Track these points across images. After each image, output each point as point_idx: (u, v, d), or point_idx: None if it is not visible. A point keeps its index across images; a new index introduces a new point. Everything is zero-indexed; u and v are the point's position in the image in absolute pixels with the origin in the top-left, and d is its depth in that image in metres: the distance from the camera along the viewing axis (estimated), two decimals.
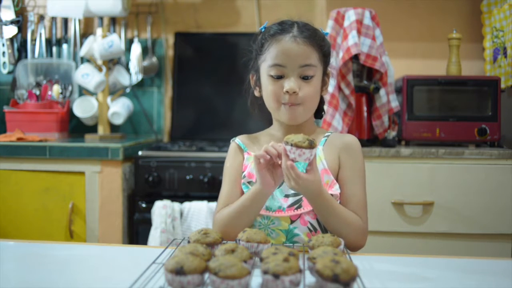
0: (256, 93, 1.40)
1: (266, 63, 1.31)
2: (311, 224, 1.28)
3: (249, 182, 1.33)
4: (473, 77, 2.38)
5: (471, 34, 2.72)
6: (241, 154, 1.39)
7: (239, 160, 1.38)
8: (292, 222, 1.28)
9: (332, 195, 1.27)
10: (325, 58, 1.34)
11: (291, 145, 1.12)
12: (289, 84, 1.27)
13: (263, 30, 1.37)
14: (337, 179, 1.32)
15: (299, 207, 1.28)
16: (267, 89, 1.32)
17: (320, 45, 1.32)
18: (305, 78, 1.29)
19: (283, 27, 1.32)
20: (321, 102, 1.43)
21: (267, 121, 1.43)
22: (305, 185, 1.15)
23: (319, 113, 1.45)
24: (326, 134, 1.38)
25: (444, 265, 1.13)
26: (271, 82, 1.30)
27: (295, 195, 1.29)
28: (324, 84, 1.37)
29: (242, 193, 1.34)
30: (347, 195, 1.30)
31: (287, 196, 1.30)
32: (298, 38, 1.29)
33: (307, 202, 1.27)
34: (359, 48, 2.17)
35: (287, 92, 1.27)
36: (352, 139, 1.37)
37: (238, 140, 1.41)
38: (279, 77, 1.29)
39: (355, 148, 1.35)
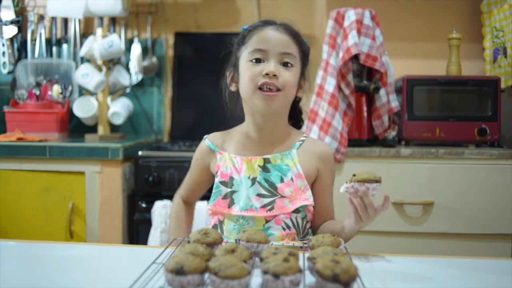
0: (233, 88, 1.39)
1: (246, 51, 1.31)
2: (285, 223, 1.29)
3: (221, 182, 1.33)
4: (473, 77, 2.38)
5: (471, 34, 2.72)
6: (209, 156, 1.40)
7: (206, 161, 1.41)
8: (267, 221, 1.29)
9: (306, 205, 1.30)
10: (304, 57, 1.35)
11: (376, 181, 1.11)
12: (269, 67, 1.27)
13: (245, 29, 1.38)
14: (312, 188, 1.33)
15: (272, 208, 1.29)
16: (245, 75, 1.30)
17: (300, 42, 1.34)
18: (285, 64, 1.29)
19: (266, 21, 1.35)
20: (299, 111, 1.43)
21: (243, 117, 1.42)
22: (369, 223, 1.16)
23: (298, 124, 1.45)
24: (302, 138, 1.37)
25: (444, 265, 1.13)
26: (250, 66, 1.29)
27: (266, 196, 1.30)
28: (300, 86, 1.37)
29: (200, 188, 1.45)
30: (325, 205, 1.35)
31: (259, 195, 1.30)
32: (281, 28, 1.32)
33: (280, 205, 1.29)
34: (359, 48, 2.17)
35: (266, 74, 1.26)
36: (329, 150, 1.39)
37: (208, 141, 1.41)
38: (259, 62, 1.29)
39: (332, 159, 1.38)
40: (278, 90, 1.27)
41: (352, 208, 1.14)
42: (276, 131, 1.35)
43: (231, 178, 1.33)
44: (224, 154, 1.36)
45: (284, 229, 1.29)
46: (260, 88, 1.27)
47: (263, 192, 1.30)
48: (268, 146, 1.35)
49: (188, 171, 1.47)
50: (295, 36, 1.32)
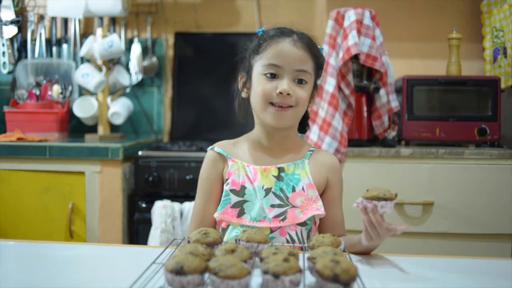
0: (244, 94, 1.37)
1: (261, 62, 1.29)
2: (290, 236, 1.27)
3: (231, 190, 1.30)
4: (473, 77, 2.38)
5: (471, 34, 2.72)
6: (221, 163, 1.35)
7: (218, 170, 1.35)
8: (271, 232, 1.27)
9: (314, 216, 1.29)
10: (318, 70, 1.34)
11: (385, 199, 1.08)
12: (283, 85, 1.25)
13: (260, 33, 1.35)
14: (321, 197, 1.32)
15: (285, 218, 1.27)
16: (257, 88, 1.28)
17: (316, 55, 1.32)
18: (299, 82, 1.28)
19: (283, 31, 1.32)
20: (306, 116, 1.42)
21: (252, 124, 1.41)
22: (381, 242, 1.13)
23: (303, 128, 1.44)
24: (311, 148, 1.38)
25: (444, 265, 1.13)
26: (263, 81, 1.28)
27: (279, 206, 1.29)
28: (312, 97, 1.35)
29: (216, 205, 1.31)
30: (335, 215, 1.34)
31: (272, 206, 1.29)
32: (298, 42, 1.29)
33: (292, 215, 1.27)
34: (359, 48, 2.17)
35: (280, 93, 1.25)
36: (337, 160, 1.39)
37: (218, 148, 1.37)
38: (273, 77, 1.27)
39: (339, 169, 1.38)
40: (290, 106, 1.27)
41: (363, 225, 1.12)
42: (287, 140, 1.36)
43: (243, 187, 1.30)
44: (237, 162, 1.33)
45: (288, 241, 1.27)
46: (272, 103, 1.27)
47: (277, 202, 1.29)
48: (280, 154, 1.34)
49: (196, 197, 1.37)
50: (312, 50, 1.30)
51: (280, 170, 1.32)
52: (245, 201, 1.29)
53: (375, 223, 1.09)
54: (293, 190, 1.30)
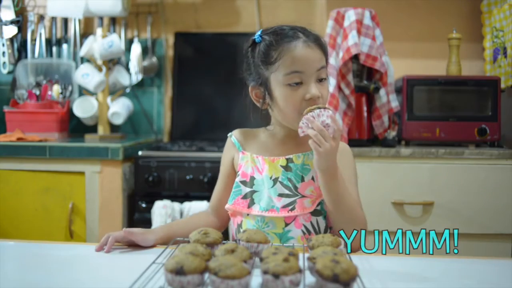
0: (263, 106, 1.33)
1: (279, 73, 1.26)
2: (305, 227, 1.28)
3: (241, 182, 1.34)
4: (473, 77, 2.38)
5: (471, 34, 2.72)
6: (233, 150, 1.40)
7: (230, 156, 1.40)
8: (286, 225, 1.28)
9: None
10: (326, 57, 1.34)
11: (319, 108, 1.19)
12: (312, 90, 1.24)
13: (259, 40, 1.31)
14: None
15: (293, 209, 1.28)
16: (285, 100, 1.26)
17: (323, 45, 1.31)
18: (320, 80, 1.27)
19: (287, 34, 1.28)
20: None
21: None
22: (333, 151, 1.17)
23: None
24: None
25: (444, 265, 1.13)
26: (289, 91, 1.25)
27: (288, 196, 1.29)
28: None
29: (231, 190, 1.36)
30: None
31: (280, 195, 1.30)
32: (309, 42, 1.27)
33: (301, 205, 1.28)
34: (359, 48, 2.17)
35: (310, 99, 1.23)
36: (344, 145, 1.38)
37: (234, 138, 1.41)
38: (297, 85, 1.25)
39: (347, 151, 1.38)
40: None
41: (311, 145, 1.18)
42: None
43: (252, 178, 1.33)
44: (246, 154, 1.36)
45: (304, 233, 1.27)
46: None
47: (285, 192, 1.30)
48: (290, 146, 1.35)
49: (218, 178, 1.44)
50: (321, 44, 1.30)
51: (289, 160, 1.32)
52: (254, 191, 1.32)
53: (316, 129, 1.16)
54: (302, 180, 1.30)
